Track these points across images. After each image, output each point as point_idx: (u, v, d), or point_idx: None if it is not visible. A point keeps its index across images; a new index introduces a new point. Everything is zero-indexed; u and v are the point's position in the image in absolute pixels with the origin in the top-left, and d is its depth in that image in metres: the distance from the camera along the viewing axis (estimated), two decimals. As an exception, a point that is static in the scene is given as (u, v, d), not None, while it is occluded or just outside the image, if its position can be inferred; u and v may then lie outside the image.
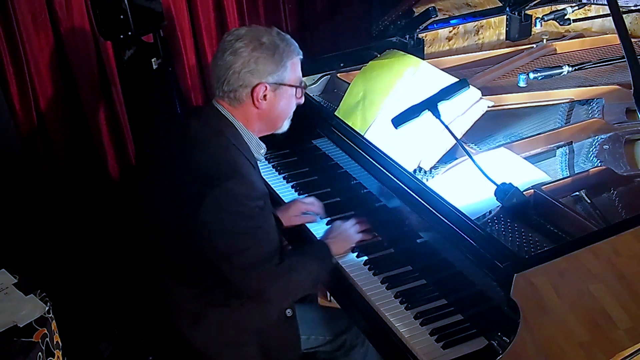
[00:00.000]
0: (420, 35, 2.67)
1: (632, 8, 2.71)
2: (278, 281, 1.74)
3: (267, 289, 1.74)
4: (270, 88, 1.76)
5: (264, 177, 2.35)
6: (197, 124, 1.81)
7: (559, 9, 2.78)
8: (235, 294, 1.78)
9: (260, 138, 1.87)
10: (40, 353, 1.94)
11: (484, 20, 2.83)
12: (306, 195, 2.23)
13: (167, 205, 1.80)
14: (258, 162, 1.86)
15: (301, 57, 1.83)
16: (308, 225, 2.09)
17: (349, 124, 2.19)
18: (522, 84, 2.38)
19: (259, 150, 1.85)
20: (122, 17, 2.41)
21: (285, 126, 1.89)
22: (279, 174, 2.38)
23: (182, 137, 1.81)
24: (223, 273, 1.72)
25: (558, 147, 2.06)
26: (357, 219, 1.99)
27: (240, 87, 1.74)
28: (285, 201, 2.21)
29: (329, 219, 2.08)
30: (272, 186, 2.32)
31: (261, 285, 1.73)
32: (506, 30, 2.85)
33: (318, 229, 2.06)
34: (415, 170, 2.03)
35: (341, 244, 1.92)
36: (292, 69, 1.79)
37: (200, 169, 1.71)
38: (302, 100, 1.89)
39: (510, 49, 2.75)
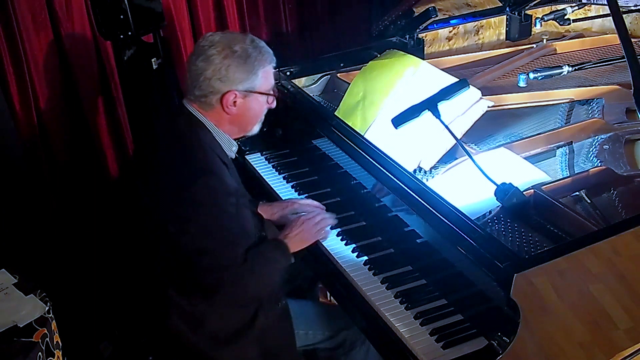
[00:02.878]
0: (420, 35, 2.67)
1: (632, 8, 2.71)
2: (240, 280, 1.75)
3: (231, 287, 1.74)
4: (240, 95, 1.79)
5: (264, 177, 2.36)
6: (170, 125, 1.85)
7: (559, 9, 2.78)
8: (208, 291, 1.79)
9: (249, 138, 1.90)
10: (40, 353, 1.94)
11: (484, 20, 2.83)
12: (306, 195, 2.23)
13: (151, 205, 1.83)
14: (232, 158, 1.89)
15: (274, 64, 1.85)
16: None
17: (349, 124, 2.19)
18: (522, 84, 2.38)
19: (231, 148, 1.88)
20: (122, 17, 2.41)
21: (255, 129, 1.92)
22: (279, 174, 2.38)
23: (157, 139, 1.86)
24: (194, 268, 1.74)
25: (558, 147, 2.06)
26: (320, 216, 1.98)
27: (210, 93, 1.77)
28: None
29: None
30: (272, 186, 2.32)
31: (226, 283, 1.73)
32: (506, 30, 2.85)
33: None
34: (415, 170, 2.03)
35: (298, 243, 1.92)
36: (264, 77, 1.81)
37: (174, 168, 1.75)
38: (274, 105, 1.91)
39: (510, 49, 2.75)
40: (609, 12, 1.95)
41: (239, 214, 1.77)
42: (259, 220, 1.96)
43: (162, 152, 1.82)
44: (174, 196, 1.71)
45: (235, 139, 1.89)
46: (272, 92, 1.86)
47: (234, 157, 1.92)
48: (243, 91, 1.78)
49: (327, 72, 2.62)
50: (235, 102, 1.78)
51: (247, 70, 1.76)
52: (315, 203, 2.12)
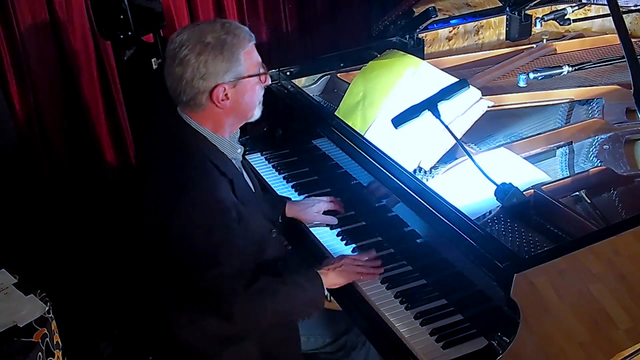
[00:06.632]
0: (420, 35, 2.67)
1: (632, 8, 2.71)
2: (244, 302, 1.67)
3: (231, 309, 1.67)
4: (229, 86, 1.67)
5: (264, 177, 2.36)
6: (167, 133, 1.78)
7: (559, 9, 2.78)
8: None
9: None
10: (40, 353, 1.94)
11: (484, 20, 2.83)
12: (305, 195, 2.23)
13: (149, 211, 1.77)
14: (251, 160, 1.86)
15: (254, 41, 1.72)
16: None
17: (349, 124, 2.19)
18: (522, 84, 2.37)
19: (236, 151, 1.79)
20: (122, 17, 2.40)
21: (257, 114, 1.80)
22: (279, 174, 2.38)
23: (156, 144, 1.81)
24: (190, 282, 1.69)
25: (558, 147, 2.06)
26: (365, 255, 1.87)
27: (197, 94, 1.66)
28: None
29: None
30: (272, 186, 2.32)
31: (225, 303, 1.67)
32: (506, 30, 2.85)
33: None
34: (415, 170, 2.03)
35: (336, 279, 1.80)
36: (247, 58, 1.68)
37: (167, 180, 1.68)
38: (269, 82, 1.79)
39: (510, 49, 2.75)
40: (609, 12, 1.95)
41: (239, 228, 1.68)
42: (273, 223, 1.89)
43: (159, 161, 1.77)
44: (166, 210, 1.64)
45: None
46: (260, 71, 1.73)
47: (240, 158, 1.84)
48: (230, 81, 1.66)
49: (327, 72, 2.62)
50: (226, 95, 1.67)
51: (227, 59, 1.64)
52: (336, 200, 2.10)
